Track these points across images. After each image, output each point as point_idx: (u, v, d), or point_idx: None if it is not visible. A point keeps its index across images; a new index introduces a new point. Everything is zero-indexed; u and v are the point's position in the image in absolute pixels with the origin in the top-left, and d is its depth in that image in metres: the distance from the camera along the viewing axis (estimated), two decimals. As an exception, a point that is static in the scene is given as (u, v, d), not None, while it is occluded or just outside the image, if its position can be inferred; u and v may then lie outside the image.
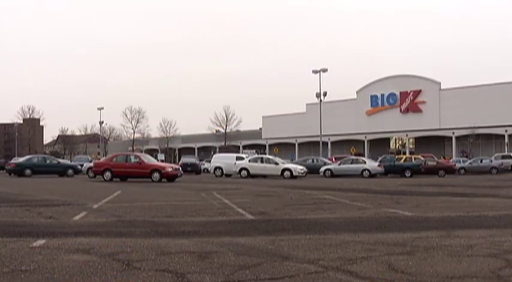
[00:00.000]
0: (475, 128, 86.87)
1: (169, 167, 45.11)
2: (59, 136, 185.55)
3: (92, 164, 53.79)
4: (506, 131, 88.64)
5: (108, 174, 43.56)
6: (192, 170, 68.07)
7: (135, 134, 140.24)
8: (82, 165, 58.99)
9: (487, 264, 9.03)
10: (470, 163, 71.09)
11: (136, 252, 10.08)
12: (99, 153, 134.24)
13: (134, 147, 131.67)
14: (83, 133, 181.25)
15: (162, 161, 76.39)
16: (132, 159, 45.20)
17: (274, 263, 9.04)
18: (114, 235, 12.39)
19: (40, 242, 11.27)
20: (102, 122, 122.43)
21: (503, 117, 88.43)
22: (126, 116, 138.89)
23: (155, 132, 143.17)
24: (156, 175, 42.35)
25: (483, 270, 8.55)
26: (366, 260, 9.34)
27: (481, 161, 70.76)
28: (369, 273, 8.27)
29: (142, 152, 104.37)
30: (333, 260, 9.26)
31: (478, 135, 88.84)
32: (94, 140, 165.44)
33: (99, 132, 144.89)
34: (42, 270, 8.53)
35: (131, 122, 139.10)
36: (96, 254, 9.92)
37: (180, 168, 47.99)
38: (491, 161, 70.02)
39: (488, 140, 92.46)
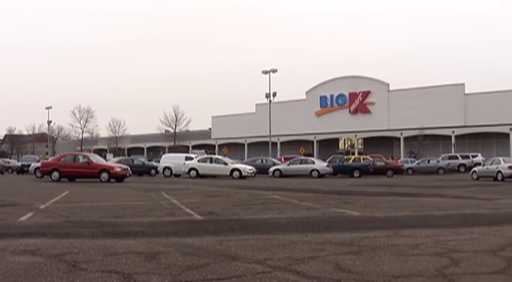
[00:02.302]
0: (422, 129, 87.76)
1: (117, 167, 44.83)
2: (6, 135, 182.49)
3: (39, 164, 53.32)
4: (453, 132, 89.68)
5: (55, 174, 43.12)
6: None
7: (84, 134, 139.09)
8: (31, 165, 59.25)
9: (432, 263, 9.16)
10: (418, 163, 71.95)
11: (83, 253, 10.00)
12: (47, 153, 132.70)
13: (83, 147, 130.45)
14: (31, 133, 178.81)
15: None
16: (81, 159, 44.78)
17: (221, 263, 9.05)
18: (61, 236, 12.28)
19: (-15, 243, 11.11)
20: (50, 122, 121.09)
21: (450, 118, 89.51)
22: (75, 115, 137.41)
23: (104, 132, 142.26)
24: (104, 175, 42.07)
25: (428, 269, 8.66)
26: (313, 259, 9.39)
27: (429, 162, 71.64)
28: (316, 273, 8.31)
29: (91, 151, 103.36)
30: (281, 260, 9.29)
31: (426, 136, 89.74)
32: (42, 139, 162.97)
33: (47, 132, 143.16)
34: (-14, 271, 8.41)
35: (80, 122, 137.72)
36: (42, 255, 9.81)
37: (129, 168, 47.74)
38: (439, 161, 70.94)
39: (436, 140, 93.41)
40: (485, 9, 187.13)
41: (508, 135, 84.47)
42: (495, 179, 47.53)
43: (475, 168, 53.54)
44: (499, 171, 47.72)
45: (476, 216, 17.24)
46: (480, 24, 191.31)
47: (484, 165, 53.93)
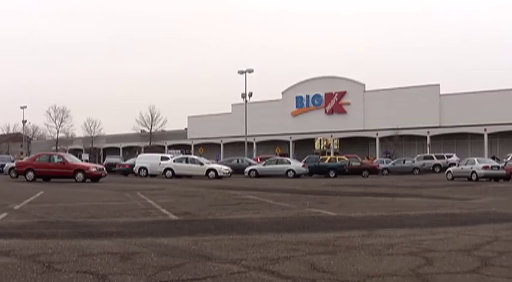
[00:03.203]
0: (398, 129, 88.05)
1: (93, 167, 44.70)
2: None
3: (14, 164, 53.02)
4: (428, 132, 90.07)
5: (30, 175, 42.87)
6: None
7: (59, 134, 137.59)
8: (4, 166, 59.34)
9: (407, 262, 9.21)
10: (393, 164, 72.24)
11: (57, 253, 9.95)
12: (22, 153, 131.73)
13: (58, 147, 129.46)
14: (5, 132, 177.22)
15: (86, 161, 75.51)
16: (56, 159, 44.56)
17: (196, 263, 9.04)
18: (35, 237, 12.19)
19: (-42, 244, 11.02)
20: (25, 121, 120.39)
21: (425, 119, 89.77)
22: (50, 115, 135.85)
23: (80, 132, 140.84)
24: (79, 175, 41.90)
25: (403, 268, 8.71)
26: (288, 259, 9.41)
27: (404, 162, 72.00)
28: (291, 273, 8.32)
29: (66, 151, 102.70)
30: (256, 260, 9.30)
31: (401, 137, 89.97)
32: (17, 139, 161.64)
33: (22, 132, 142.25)
34: (-41, 273, 8.34)
35: (55, 121, 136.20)
36: (16, 256, 9.74)
37: (105, 168, 47.60)
38: (414, 161, 71.35)
39: (411, 141, 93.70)
40: (460, 9, 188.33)
41: (482, 135, 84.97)
42: (469, 179, 48.01)
43: (449, 169, 53.96)
44: (474, 172, 48.20)
45: (451, 216, 17.35)
46: (455, 26, 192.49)
47: (458, 165, 54.41)
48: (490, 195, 28.66)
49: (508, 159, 56.85)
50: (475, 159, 52.24)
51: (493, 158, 69.27)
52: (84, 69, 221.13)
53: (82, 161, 59.43)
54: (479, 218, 16.81)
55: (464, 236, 12.42)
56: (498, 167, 49.19)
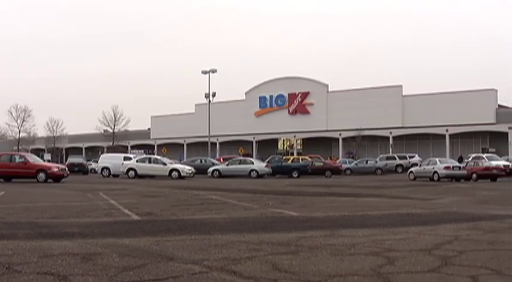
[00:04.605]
0: (361, 129, 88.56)
1: (55, 167, 44.40)
2: None
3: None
4: (391, 133, 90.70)
5: (-9, 175, 42.48)
6: (79, 170, 67.56)
7: (21, 133, 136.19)
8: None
9: (368, 262, 9.24)
10: (356, 164, 72.61)
11: (17, 255, 9.83)
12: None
13: (20, 147, 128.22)
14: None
15: (48, 161, 74.92)
16: (17, 159, 44.22)
17: (158, 263, 9.00)
18: (-6, 238, 12.06)
19: None
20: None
21: (388, 119, 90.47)
22: (12, 114, 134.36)
23: (42, 132, 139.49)
24: (41, 175, 41.59)
25: (364, 268, 8.74)
26: (250, 259, 9.40)
27: (367, 162, 72.40)
28: (253, 273, 8.32)
29: (28, 151, 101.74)
30: (218, 260, 9.29)
31: (364, 137, 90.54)
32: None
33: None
34: None
35: (17, 121, 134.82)
36: (-25, 257, 9.63)
37: (67, 169, 47.29)
38: (376, 162, 71.77)
39: (374, 141, 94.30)
40: (422, 11, 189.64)
41: (444, 136, 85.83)
42: (431, 179, 48.50)
43: (412, 169, 54.43)
44: (435, 172, 48.72)
45: (412, 216, 17.44)
46: (417, 27, 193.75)
47: (420, 165, 54.93)
48: (451, 195, 28.94)
49: (469, 159, 57.50)
50: (437, 159, 52.85)
51: (460, 158, 70.13)
52: (46, 68, 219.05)
53: (44, 161, 59.01)
54: (440, 218, 16.92)
55: (425, 236, 12.49)
56: (459, 168, 49.78)
